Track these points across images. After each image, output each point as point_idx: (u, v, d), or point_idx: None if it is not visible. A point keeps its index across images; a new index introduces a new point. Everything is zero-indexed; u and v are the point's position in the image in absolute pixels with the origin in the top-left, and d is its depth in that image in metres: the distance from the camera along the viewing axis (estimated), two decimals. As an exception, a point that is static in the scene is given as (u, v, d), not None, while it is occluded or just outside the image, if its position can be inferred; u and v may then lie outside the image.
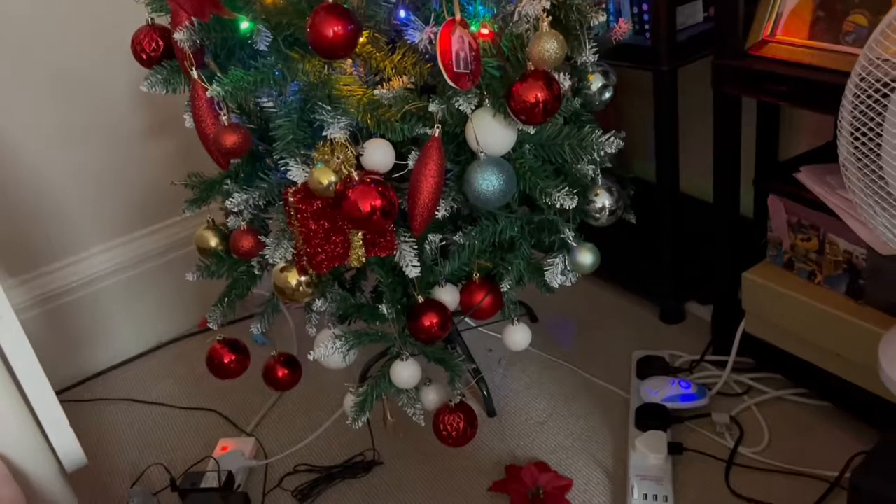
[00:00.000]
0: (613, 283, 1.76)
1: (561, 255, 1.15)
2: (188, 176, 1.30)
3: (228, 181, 1.21)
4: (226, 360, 1.23)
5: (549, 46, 0.91)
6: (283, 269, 1.10)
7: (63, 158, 1.64)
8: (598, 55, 1.09)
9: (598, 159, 1.11)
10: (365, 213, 0.94)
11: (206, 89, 0.99)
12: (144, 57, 1.14)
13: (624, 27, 1.17)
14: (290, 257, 1.07)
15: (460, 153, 1.11)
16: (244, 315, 1.71)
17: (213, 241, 1.27)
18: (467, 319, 1.25)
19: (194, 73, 1.04)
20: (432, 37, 0.92)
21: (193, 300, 1.85)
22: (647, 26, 1.41)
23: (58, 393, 1.16)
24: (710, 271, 1.48)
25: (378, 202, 0.95)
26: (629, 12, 1.43)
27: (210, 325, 1.26)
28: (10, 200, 1.60)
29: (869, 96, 0.83)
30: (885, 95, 0.83)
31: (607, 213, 1.14)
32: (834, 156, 0.95)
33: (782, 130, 1.52)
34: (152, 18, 1.14)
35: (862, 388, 1.24)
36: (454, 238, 1.17)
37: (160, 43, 1.13)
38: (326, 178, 0.95)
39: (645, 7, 1.40)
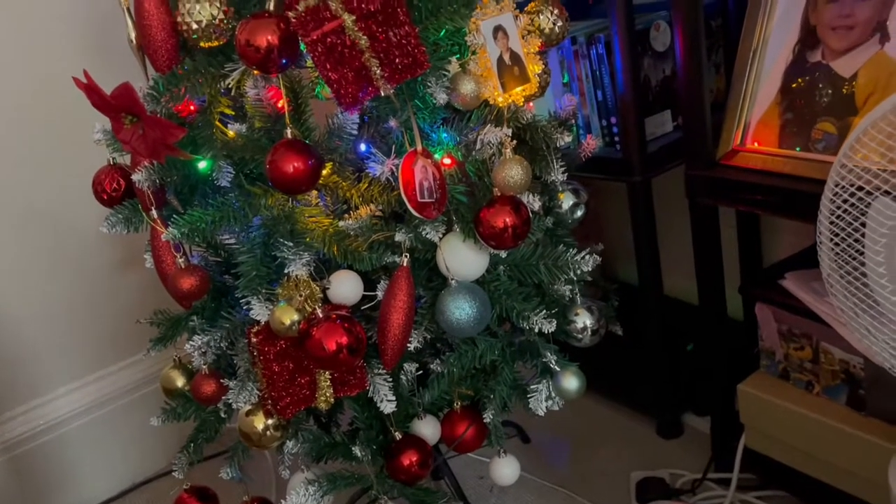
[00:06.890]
0: (606, 395, 1.69)
1: (545, 381, 1.09)
2: (154, 313, 1.25)
3: (195, 318, 1.17)
4: (193, 511, 1.15)
5: (513, 173, 0.89)
6: (248, 413, 1.03)
7: (28, 297, 1.59)
8: (566, 174, 1.07)
9: (575, 278, 1.07)
10: (330, 352, 0.89)
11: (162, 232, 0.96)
12: (105, 197, 1.11)
13: (592, 144, 1.16)
14: (256, 400, 1.01)
15: (432, 279, 1.07)
16: (219, 451, 1.61)
17: (180, 382, 1.20)
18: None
19: (153, 213, 1.01)
20: (394, 169, 0.90)
21: (171, 433, 1.74)
22: (616, 139, 1.41)
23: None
24: (703, 380, 1.42)
25: (344, 339, 0.89)
26: (598, 125, 1.43)
27: (175, 473, 1.18)
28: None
29: (846, 210, 0.81)
30: (865, 206, 0.80)
31: (589, 333, 1.09)
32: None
33: (764, 231, 1.50)
34: (113, 158, 1.12)
35: (876, 506, 1.15)
36: (432, 366, 1.12)
37: (121, 182, 1.11)
38: (288, 317, 0.90)
39: (614, 120, 1.40)
